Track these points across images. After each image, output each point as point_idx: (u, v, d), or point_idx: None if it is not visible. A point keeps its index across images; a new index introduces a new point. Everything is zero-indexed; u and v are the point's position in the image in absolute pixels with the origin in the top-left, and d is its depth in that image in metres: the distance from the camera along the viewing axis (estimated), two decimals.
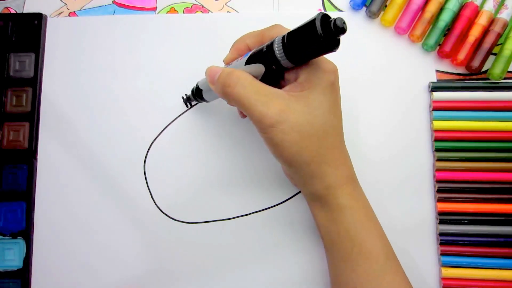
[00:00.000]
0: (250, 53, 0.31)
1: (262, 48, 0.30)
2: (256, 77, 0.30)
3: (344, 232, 0.31)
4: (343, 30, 0.26)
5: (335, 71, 0.31)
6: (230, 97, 0.30)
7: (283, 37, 0.29)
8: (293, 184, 0.36)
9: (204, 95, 0.37)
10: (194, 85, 0.38)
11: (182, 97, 0.40)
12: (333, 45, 0.27)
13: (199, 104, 0.40)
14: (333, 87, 0.31)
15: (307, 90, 0.30)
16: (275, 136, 0.29)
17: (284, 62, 0.29)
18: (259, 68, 0.30)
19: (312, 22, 0.26)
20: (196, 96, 0.38)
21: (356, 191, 0.32)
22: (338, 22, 0.26)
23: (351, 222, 0.31)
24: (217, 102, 0.40)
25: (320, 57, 0.30)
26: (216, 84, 0.31)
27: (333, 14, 0.42)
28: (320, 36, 0.26)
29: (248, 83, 0.30)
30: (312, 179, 0.31)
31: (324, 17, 0.26)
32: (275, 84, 0.32)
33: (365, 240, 0.31)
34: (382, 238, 0.32)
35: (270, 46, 0.29)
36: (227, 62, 0.35)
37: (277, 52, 0.29)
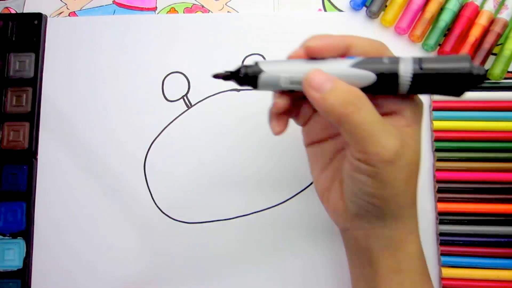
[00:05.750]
0: (359, 58, 0.27)
1: (382, 59, 0.27)
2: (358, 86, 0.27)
3: (409, 284, 0.28)
4: (482, 79, 0.26)
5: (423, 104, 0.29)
6: (347, 119, 0.26)
7: (419, 59, 0.26)
8: (346, 225, 0.31)
9: (262, 85, 0.28)
10: (244, 63, 0.31)
11: (217, 75, 0.29)
12: (464, 90, 0.26)
13: (199, 104, 0.40)
14: (420, 125, 0.29)
15: (413, 126, 0.28)
16: (389, 173, 0.26)
17: (405, 85, 0.26)
18: (369, 77, 0.26)
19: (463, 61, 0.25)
20: (244, 81, 0.28)
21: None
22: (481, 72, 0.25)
23: (418, 273, 0.29)
24: (218, 101, 0.40)
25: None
26: (328, 96, 0.26)
27: (333, 14, 0.42)
28: (471, 76, 0.25)
29: (372, 108, 0.26)
30: (396, 222, 0.28)
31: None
32: None
33: None
34: None
35: (395, 61, 0.26)
36: (306, 55, 0.28)
37: (402, 71, 0.26)
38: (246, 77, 0.28)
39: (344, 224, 0.31)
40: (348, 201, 0.29)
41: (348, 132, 0.26)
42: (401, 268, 0.29)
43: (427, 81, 0.26)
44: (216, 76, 0.29)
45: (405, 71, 0.26)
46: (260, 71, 0.28)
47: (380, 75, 0.26)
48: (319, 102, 0.26)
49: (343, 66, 0.27)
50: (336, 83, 0.26)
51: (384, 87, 0.27)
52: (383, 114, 0.27)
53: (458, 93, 0.26)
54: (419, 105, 0.28)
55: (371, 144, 0.26)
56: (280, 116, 0.30)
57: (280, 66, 0.28)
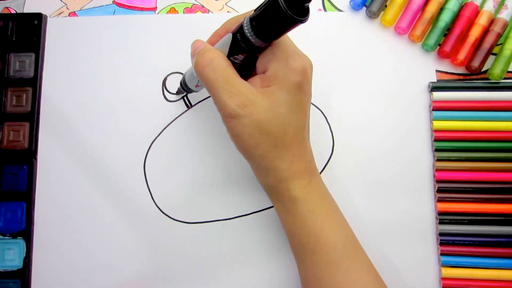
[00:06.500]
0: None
1: (236, 28, 0.30)
2: (224, 49, 0.30)
3: (300, 223, 0.32)
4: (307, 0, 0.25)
5: (304, 71, 0.30)
6: (199, 77, 0.31)
7: (251, 15, 0.28)
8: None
9: (188, 83, 0.37)
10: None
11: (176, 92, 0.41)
12: (301, 16, 0.26)
13: (199, 104, 0.40)
14: (299, 88, 0.30)
15: (273, 86, 0.30)
16: (234, 126, 0.30)
17: (254, 40, 0.28)
18: (229, 37, 0.30)
19: None
20: (183, 86, 0.38)
21: (312, 184, 0.32)
22: None
23: (305, 213, 0.32)
24: None
25: (292, 53, 0.30)
26: (193, 60, 0.31)
27: (333, 14, 0.43)
28: (285, 11, 0.25)
29: (220, 68, 0.30)
30: (265, 171, 0.32)
31: None
32: (250, 70, 0.32)
33: (322, 230, 0.31)
34: (340, 227, 0.32)
35: (241, 25, 0.29)
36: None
37: (245, 29, 0.28)
38: (181, 84, 0.38)
39: None
40: None
41: (207, 89, 0.31)
42: (289, 210, 0.32)
43: (265, 20, 0.27)
44: (176, 93, 0.41)
45: (246, 20, 0.28)
46: (184, 75, 0.37)
47: (234, 33, 0.29)
48: (193, 65, 0.32)
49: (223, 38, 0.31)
50: (202, 50, 0.31)
51: (241, 43, 0.29)
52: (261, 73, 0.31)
53: (298, 20, 0.26)
54: (287, 68, 0.30)
55: (216, 101, 0.30)
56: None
57: (190, 67, 0.36)
